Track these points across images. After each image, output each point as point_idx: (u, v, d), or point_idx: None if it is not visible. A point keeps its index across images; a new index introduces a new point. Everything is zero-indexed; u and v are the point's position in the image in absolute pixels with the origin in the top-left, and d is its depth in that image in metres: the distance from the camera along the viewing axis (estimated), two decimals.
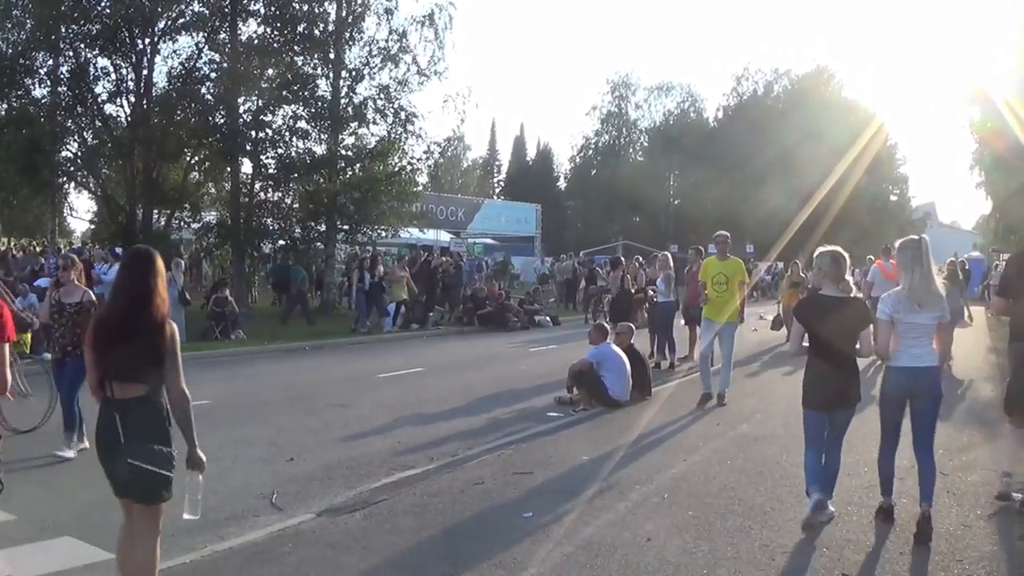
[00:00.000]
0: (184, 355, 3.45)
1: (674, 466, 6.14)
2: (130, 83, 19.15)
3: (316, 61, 20.69)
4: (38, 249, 25.82)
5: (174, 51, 19.79)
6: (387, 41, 21.04)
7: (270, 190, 21.63)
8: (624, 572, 4.11)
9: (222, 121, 19.82)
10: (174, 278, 12.92)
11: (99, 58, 18.84)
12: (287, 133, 20.57)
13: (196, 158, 21.61)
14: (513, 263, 34.18)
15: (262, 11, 20.51)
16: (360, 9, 20.90)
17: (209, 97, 19.94)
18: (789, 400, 7.98)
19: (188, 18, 19.08)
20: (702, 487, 5.58)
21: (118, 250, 16.78)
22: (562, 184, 65.05)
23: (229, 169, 21.36)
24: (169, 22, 18.94)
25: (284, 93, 19.83)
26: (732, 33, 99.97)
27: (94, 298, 6.71)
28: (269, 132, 20.27)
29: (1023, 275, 5.36)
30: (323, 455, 6.79)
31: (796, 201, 30.60)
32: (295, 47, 20.25)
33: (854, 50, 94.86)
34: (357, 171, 21.17)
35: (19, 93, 18.57)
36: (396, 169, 21.27)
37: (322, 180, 20.93)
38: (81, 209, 72.18)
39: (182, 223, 21.91)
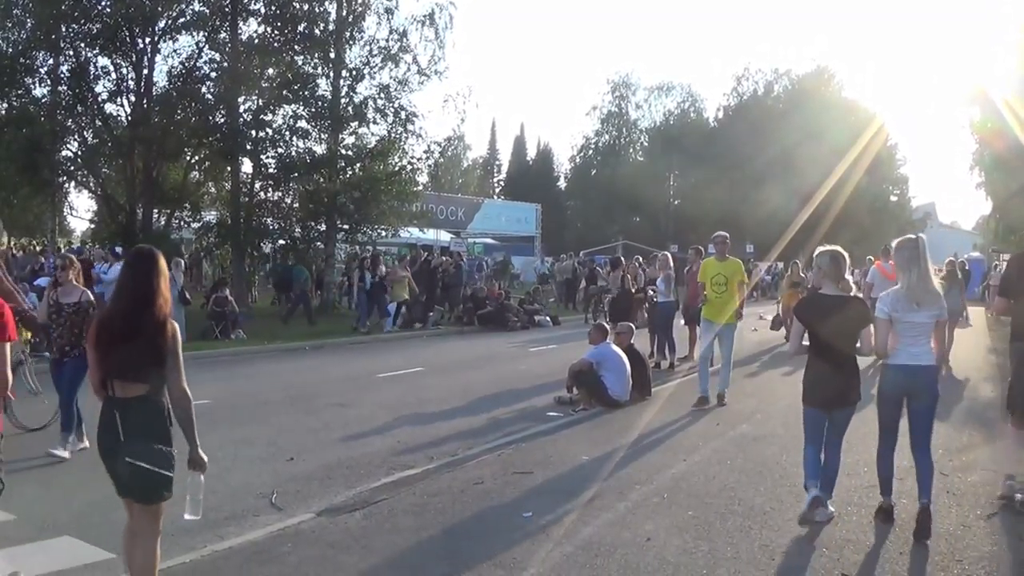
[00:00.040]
0: (184, 355, 3.45)
1: (674, 466, 6.14)
2: (130, 82, 19.17)
3: (316, 60, 20.70)
4: (38, 248, 25.84)
5: (174, 50, 19.88)
6: (387, 40, 21.09)
7: (270, 190, 21.64)
8: (624, 572, 4.11)
9: (222, 120, 19.83)
10: (174, 278, 12.91)
11: (99, 57, 18.88)
12: (287, 133, 20.59)
13: (196, 157, 21.65)
14: (513, 263, 34.19)
15: (262, 10, 20.53)
16: (360, 8, 20.93)
17: (209, 96, 19.95)
18: (789, 400, 7.99)
19: (188, 17, 19.10)
20: (702, 487, 5.58)
21: (118, 249, 16.78)
22: (562, 184, 65.06)
23: (229, 169, 21.38)
24: (169, 21, 18.96)
25: (284, 93, 19.84)
26: (732, 33, 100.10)
27: (92, 298, 6.70)
28: (269, 132, 20.28)
29: None
30: (323, 455, 6.79)
31: (796, 201, 30.61)
32: (295, 46, 20.26)
33: (854, 50, 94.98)
34: (357, 171, 21.17)
35: (19, 92, 18.60)
36: (396, 169, 21.28)
37: (322, 180, 20.93)
38: (81, 208, 72.21)
39: (182, 223, 21.94)
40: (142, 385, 3.31)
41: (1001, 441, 6.59)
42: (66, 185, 21.99)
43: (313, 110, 20.58)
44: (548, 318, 20.28)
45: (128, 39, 18.73)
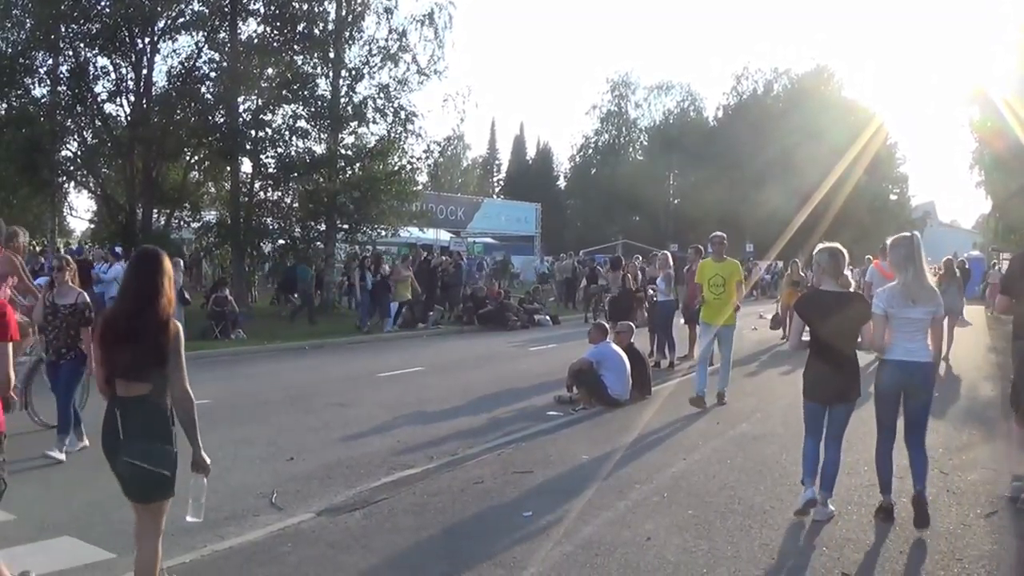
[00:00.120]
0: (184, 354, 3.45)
1: (674, 465, 6.14)
2: (130, 82, 19.17)
3: (316, 60, 20.70)
4: (38, 249, 25.81)
5: (174, 50, 19.90)
6: (387, 40, 21.11)
7: (270, 189, 21.65)
8: (624, 571, 4.11)
9: (222, 120, 19.83)
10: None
11: (99, 57, 18.89)
12: (287, 132, 20.60)
13: (196, 157, 21.64)
14: (513, 262, 34.20)
15: (262, 10, 20.54)
16: (360, 8, 20.94)
17: (209, 96, 19.95)
18: (788, 399, 8.00)
19: (188, 17, 19.10)
20: (702, 486, 5.58)
21: (118, 249, 16.78)
22: (562, 183, 65.02)
23: (229, 168, 21.37)
24: (169, 21, 18.96)
25: (284, 92, 19.84)
26: (732, 33, 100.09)
27: (88, 300, 6.66)
28: (269, 131, 20.29)
29: None
30: (323, 454, 6.79)
31: (796, 200, 30.59)
32: (295, 46, 20.27)
33: (854, 50, 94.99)
34: (357, 170, 21.18)
35: (19, 92, 18.60)
36: (396, 168, 21.29)
37: (322, 179, 20.94)
38: (81, 208, 71.99)
39: (182, 222, 21.93)
40: (144, 385, 3.31)
41: (1001, 440, 6.59)
42: (66, 185, 21.98)
43: (313, 110, 20.58)
44: (548, 317, 20.28)
45: (127, 39, 18.73)
